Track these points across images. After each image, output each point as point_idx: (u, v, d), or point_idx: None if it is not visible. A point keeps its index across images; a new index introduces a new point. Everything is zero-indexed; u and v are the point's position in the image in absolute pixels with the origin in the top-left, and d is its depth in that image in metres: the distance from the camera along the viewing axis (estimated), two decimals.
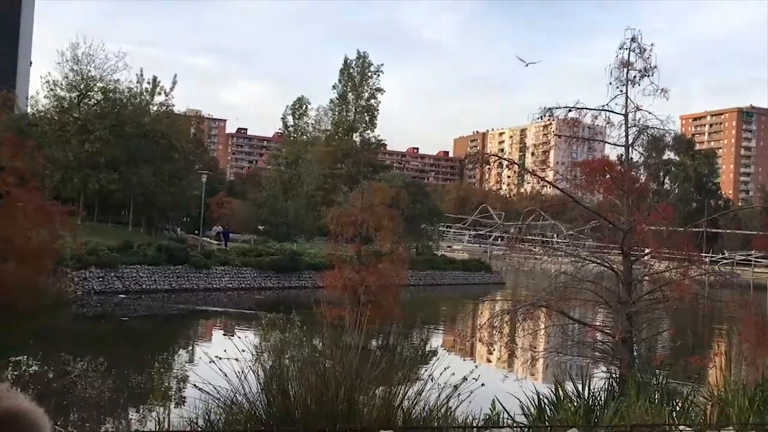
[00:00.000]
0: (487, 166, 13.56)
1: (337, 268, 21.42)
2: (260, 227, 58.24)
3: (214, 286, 32.31)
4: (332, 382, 7.94)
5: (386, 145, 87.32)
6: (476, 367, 8.87)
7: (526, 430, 7.26)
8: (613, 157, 12.55)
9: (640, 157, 12.83)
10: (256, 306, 20.01)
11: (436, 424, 7.35)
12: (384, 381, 8.56)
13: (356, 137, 68.91)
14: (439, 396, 8.37)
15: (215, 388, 8.34)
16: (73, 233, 18.70)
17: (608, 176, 11.57)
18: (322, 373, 8.34)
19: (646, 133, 12.21)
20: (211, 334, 24.60)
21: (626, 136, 11.97)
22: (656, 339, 13.15)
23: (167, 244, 34.27)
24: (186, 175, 48.71)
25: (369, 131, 69.34)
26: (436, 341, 22.26)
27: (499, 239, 65.90)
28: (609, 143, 12.26)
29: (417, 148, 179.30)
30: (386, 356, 9.58)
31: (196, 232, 45.09)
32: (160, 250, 31.64)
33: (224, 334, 22.06)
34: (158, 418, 7.99)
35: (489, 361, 18.81)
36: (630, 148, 11.97)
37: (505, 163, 13.02)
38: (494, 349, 17.91)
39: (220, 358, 9.41)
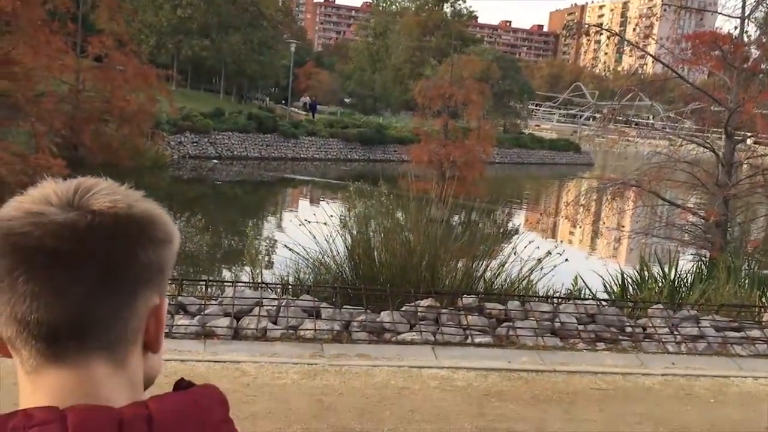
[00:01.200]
0: (586, 38, 12.85)
1: (423, 142, 21.37)
2: (347, 100, 58.18)
3: (302, 155, 32.97)
4: (416, 251, 8.15)
5: (477, 17, 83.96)
6: (559, 243, 8.89)
7: (608, 304, 7.28)
8: (725, 31, 11.64)
9: (756, 31, 11.83)
10: (342, 177, 20.37)
11: (516, 294, 7.48)
12: (466, 254, 8.71)
13: (447, 8, 66.40)
14: (521, 269, 8.49)
15: (305, 250, 8.70)
16: (169, 98, 19.19)
17: (718, 51, 10.80)
18: (406, 242, 8.56)
19: (765, 4, 11.21)
20: (298, 201, 25.40)
21: (743, 6, 11.06)
22: (752, 224, 12.70)
23: (257, 112, 34.89)
24: (275, 44, 48.64)
25: (460, 1, 66.66)
26: (519, 219, 22.22)
27: (591, 119, 63.64)
28: (723, 14, 11.37)
29: (509, 22, 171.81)
30: (469, 231, 9.68)
31: (284, 102, 45.54)
32: (250, 119, 32.28)
33: (311, 202, 22.71)
34: (252, 273, 8.43)
35: (570, 242, 18.72)
36: (746, 21, 11.07)
37: (605, 35, 12.32)
38: (578, 229, 17.76)
39: (309, 222, 9.73)
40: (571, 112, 78.77)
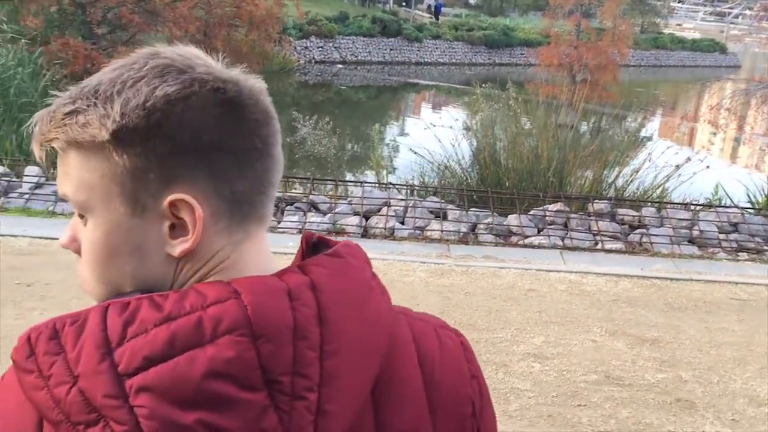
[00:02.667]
0: None
1: (552, 43, 20.42)
2: (471, 1, 56.13)
3: (425, 59, 32.46)
4: (543, 156, 7.95)
5: None
6: (699, 151, 8.36)
7: (754, 212, 6.84)
8: None
9: None
10: (467, 81, 19.95)
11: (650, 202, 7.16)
12: (596, 160, 8.39)
13: None
14: (655, 177, 8.10)
15: (429, 153, 8.70)
16: (295, 2, 19.27)
17: None
18: (533, 147, 8.35)
19: None
20: (422, 106, 25.24)
21: None
22: None
23: (381, 15, 34.44)
24: None
25: None
26: (654, 125, 21.05)
27: (740, 17, 58.18)
28: None
29: None
30: (599, 136, 9.28)
31: (404, 3, 44.63)
32: (374, 22, 31.94)
33: (435, 107, 22.51)
34: (378, 176, 8.56)
35: (710, 150, 17.57)
36: None
37: None
38: (720, 136, 16.62)
39: (434, 126, 9.65)
40: (718, 9, 72.26)
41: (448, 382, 0.82)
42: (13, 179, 5.94)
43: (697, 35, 49.81)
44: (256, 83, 0.77)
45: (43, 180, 6.02)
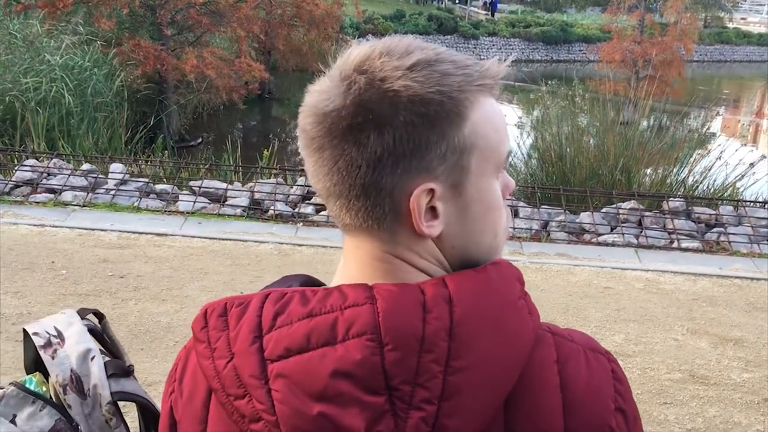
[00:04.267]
0: None
1: (614, 39, 20.07)
2: None
3: (482, 57, 32.21)
4: (610, 153, 7.86)
5: None
6: None
7: None
8: None
9: None
10: (524, 79, 19.77)
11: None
12: (664, 158, 8.25)
13: None
14: (727, 175, 7.92)
15: None
16: (355, 1, 19.43)
17: None
18: (600, 144, 8.27)
19: None
20: None
21: None
22: None
23: (437, 13, 34.39)
24: None
25: None
26: (719, 123, 20.50)
27: None
28: None
29: None
30: (666, 134, 9.11)
31: (459, 0, 44.42)
32: (430, 20, 31.95)
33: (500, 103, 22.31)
34: None
35: None
36: None
37: None
38: None
39: None
40: None
41: (588, 411, 0.76)
42: (99, 176, 6.19)
43: (763, 29, 48.19)
44: None
45: (127, 177, 6.25)
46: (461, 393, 0.70)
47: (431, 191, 0.75)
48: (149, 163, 7.45)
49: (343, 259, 0.82)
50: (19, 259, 4.60)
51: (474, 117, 0.76)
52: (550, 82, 10.09)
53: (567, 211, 6.17)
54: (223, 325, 0.74)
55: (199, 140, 13.64)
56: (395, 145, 0.72)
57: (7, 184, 5.91)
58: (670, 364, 3.94)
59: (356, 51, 0.76)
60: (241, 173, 7.13)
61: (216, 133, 13.94)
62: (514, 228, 5.85)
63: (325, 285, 0.81)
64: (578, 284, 4.98)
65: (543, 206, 6.27)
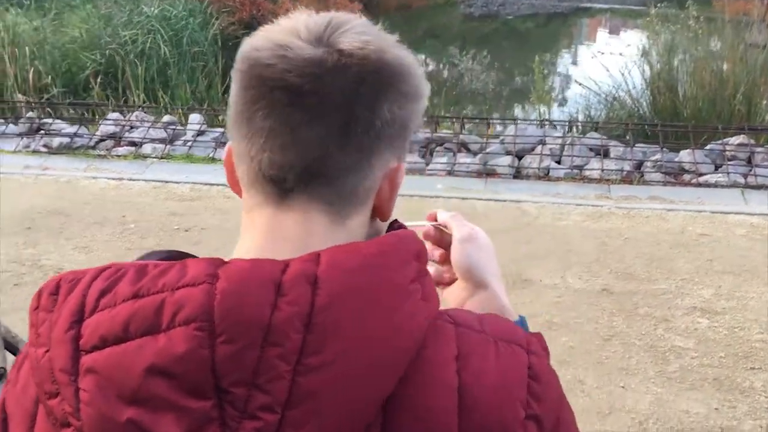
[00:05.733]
0: None
1: None
2: None
3: None
4: (729, 81, 7.10)
5: None
6: None
7: None
8: None
9: None
10: (645, 2, 18.34)
11: None
12: None
13: None
14: None
15: (596, 84, 8.10)
16: None
17: None
18: (718, 72, 7.49)
19: None
20: (595, 32, 23.67)
21: None
22: None
23: None
24: None
25: None
26: None
27: None
28: None
29: None
30: None
31: None
32: None
33: (609, 33, 21.03)
34: (539, 111, 8.13)
35: None
36: None
37: None
38: None
39: (602, 53, 8.91)
40: None
41: (490, 419, 0.63)
42: (178, 127, 6.25)
43: None
44: None
45: (204, 127, 6.28)
46: (315, 398, 0.57)
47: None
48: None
49: (257, 231, 0.70)
50: (93, 213, 4.72)
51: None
52: (659, 4, 9.19)
53: (665, 150, 5.60)
54: (51, 306, 0.63)
55: None
56: (390, 118, 0.69)
57: (91, 138, 6.09)
58: (764, 323, 3.50)
59: (326, 17, 0.71)
60: None
61: None
62: (602, 170, 5.39)
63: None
64: (669, 231, 4.52)
65: (638, 145, 5.73)
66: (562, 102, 9.59)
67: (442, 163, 5.56)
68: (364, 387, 0.59)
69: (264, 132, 0.67)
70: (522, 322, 0.95)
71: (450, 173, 5.47)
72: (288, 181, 0.68)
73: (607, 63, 8.00)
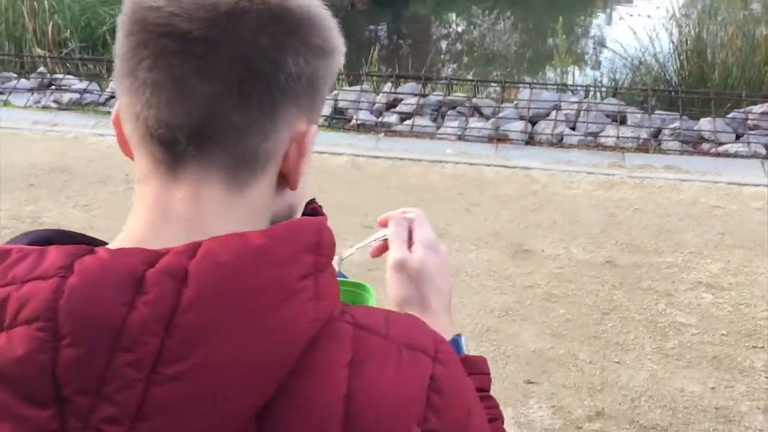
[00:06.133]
0: None
1: None
2: None
3: None
4: (762, 46, 6.82)
5: None
6: None
7: None
8: None
9: None
10: None
11: None
12: None
13: None
14: None
15: (623, 47, 7.86)
16: None
17: None
18: (749, 36, 7.20)
19: None
20: None
21: None
22: None
23: None
24: None
25: None
26: None
27: None
28: None
29: None
30: None
31: None
32: None
33: None
34: (561, 74, 7.92)
35: None
36: None
37: None
38: None
39: (630, 15, 8.64)
40: None
41: (380, 430, 0.56)
42: None
43: None
44: None
45: None
46: (172, 411, 0.51)
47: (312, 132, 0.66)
48: None
49: (145, 207, 0.63)
50: (96, 171, 4.71)
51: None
52: None
53: (684, 117, 5.41)
54: None
55: None
56: (296, 72, 0.62)
57: (101, 95, 6.07)
58: None
59: None
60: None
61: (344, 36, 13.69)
62: (618, 137, 5.23)
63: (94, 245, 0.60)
64: (681, 202, 4.38)
65: (658, 112, 5.54)
66: (585, 66, 9.34)
67: (453, 127, 5.44)
68: (231, 399, 0.53)
69: (148, 85, 0.60)
70: (456, 342, 0.91)
71: (461, 138, 5.35)
72: (179, 144, 0.60)
73: (635, 25, 7.74)
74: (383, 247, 0.97)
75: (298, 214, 0.73)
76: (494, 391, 2.38)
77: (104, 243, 0.66)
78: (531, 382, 2.84)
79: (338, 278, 1.17)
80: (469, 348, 2.84)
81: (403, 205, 3.62)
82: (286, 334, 0.55)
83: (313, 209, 0.74)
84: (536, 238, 3.90)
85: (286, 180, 0.66)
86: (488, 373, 0.90)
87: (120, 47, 0.62)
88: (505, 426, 2.73)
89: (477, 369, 0.88)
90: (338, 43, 0.68)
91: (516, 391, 2.79)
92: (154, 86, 0.59)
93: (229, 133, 0.60)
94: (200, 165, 0.61)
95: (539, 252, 3.78)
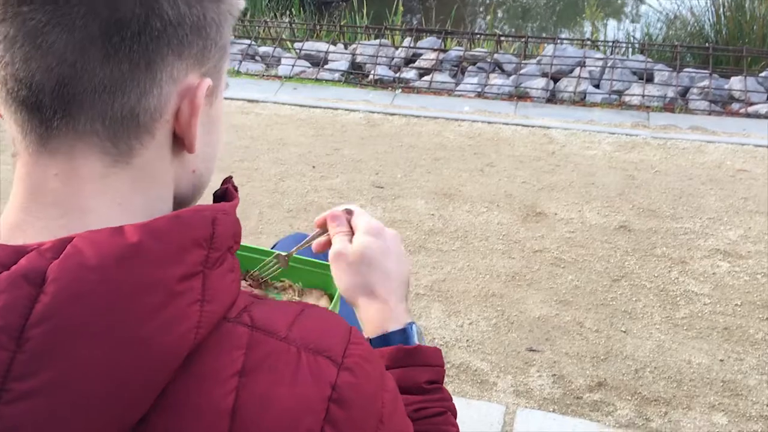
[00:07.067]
0: None
1: None
2: None
3: None
4: None
5: None
6: None
7: None
8: None
9: None
10: None
11: None
12: None
13: None
14: None
15: (658, 1, 7.59)
16: None
17: None
18: None
19: None
20: None
21: None
22: None
23: None
24: None
25: None
26: None
27: None
28: None
29: None
30: None
31: None
32: None
33: None
34: (592, 26, 7.68)
35: None
36: None
37: None
38: None
39: None
40: None
41: None
42: None
43: None
44: None
45: (231, 38, 6.12)
46: (22, 431, 0.46)
47: (208, 89, 0.59)
48: (275, 22, 7.24)
49: (18, 186, 0.56)
50: None
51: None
52: None
53: (714, 76, 5.19)
54: None
55: None
56: (175, 17, 0.54)
57: None
58: None
59: None
60: (345, 35, 6.71)
61: None
62: (644, 96, 5.04)
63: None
64: (705, 165, 4.22)
65: (686, 69, 5.33)
66: (617, 20, 9.01)
67: (472, 84, 5.29)
68: (94, 418, 0.47)
69: (2, 42, 0.52)
70: (406, 331, 0.86)
71: (480, 95, 5.21)
72: (45, 107, 0.53)
73: None
74: (327, 243, 0.93)
75: (206, 180, 0.66)
76: (495, 359, 2.34)
77: None
78: (533, 350, 2.79)
79: (311, 259, 1.12)
80: (472, 315, 2.76)
81: (414, 163, 3.54)
82: (161, 344, 0.49)
83: (225, 190, 0.67)
84: (550, 201, 3.80)
85: (182, 142, 0.59)
86: (442, 365, 0.86)
87: None
88: (503, 394, 2.65)
89: (428, 361, 0.84)
90: None
91: (517, 359, 2.74)
92: (7, 41, 0.52)
93: (97, 92, 0.53)
94: (73, 133, 0.54)
95: (551, 215, 3.68)
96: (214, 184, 0.68)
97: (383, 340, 0.84)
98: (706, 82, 5.09)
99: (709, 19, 7.15)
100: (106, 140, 0.55)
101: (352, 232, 0.90)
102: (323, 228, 0.92)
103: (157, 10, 0.53)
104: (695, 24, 7.27)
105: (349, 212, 0.91)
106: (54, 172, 0.55)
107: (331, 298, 1.11)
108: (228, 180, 0.70)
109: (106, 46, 0.52)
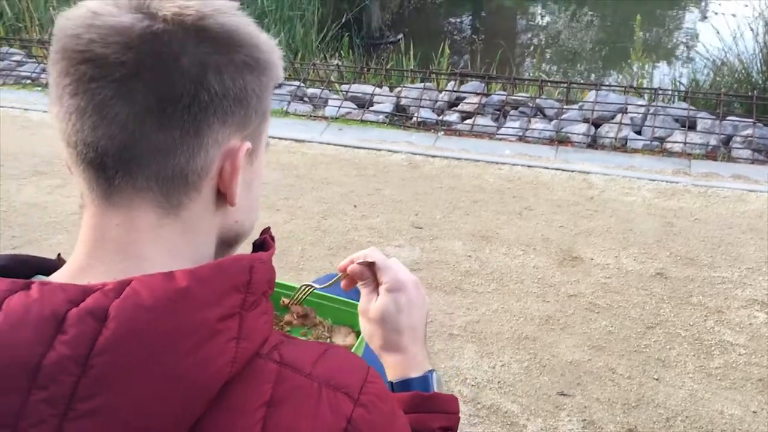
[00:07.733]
0: None
1: None
2: None
3: None
4: None
5: None
6: None
7: None
8: None
9: None
10: None
11: None
12: None
13: None
14: None
15: (705, 47, 7.58)
16: None
17: None
18: None
19: None
20: None
21: None
22: None
23: None
24: None
25: None
26: None
27: None
28: None
29: None
30: None
31: None
32: None
33: None
34: (638, 71, 7.70)
35: None
36: None
37: None
38: None
39: (716, 14, 8.28)
40: None
41: None
42: None
43: None
44: None
45: (281, 80, 6.34)
46: None
47: (248, 151, 0.68)
48: (326, 62, 7.48)
49: (85, 235, 0.66)
50: None
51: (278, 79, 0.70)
52: None
53: (759, 125, 5.18)
54: None
55: (399, 36, 13.47)
56: (220, 90, 0.63)
57: None
58: None
59: None
60: (391, 77, 6.88)
61: (419, 30, 13.64)
62: (685, 143, 5.05)
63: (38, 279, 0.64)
64: (746, 214, 4.21)
65: (730, 118, 5.32)
66: (663, 66, 9.01)
67: (514, 128, 5.38)
68: None
69: (73, 111, 0.62)
70: (425, 379, 0.92)
71: (521, 138, 5.29)
72: (108, 168, 0.63)
73: (719, 24, 7.44)
74: (354, 282, 0.99)
75: (248, 228, 0.75)
76: (526, 401, 2.41)
77: (57, 265, 0.69)
78: (564, 394, 2.81)
79: (340, 298, 1.23)
80: (505, 357, 2.82)
81: (453, 205, 3.63)
82: (199, 377, 0.57)
83: (263, 240, 0.77)
84: (587, 246, 3.84)
85: (224, 197, 0.68)
86: (456, 413, 0.91)
87: (49, 75, 0.64)
88: None
89: (443, 408, 0.89)
90: (270, 56, 0.68)
91: (547, 402, 2.77)
92: (78, 112, 0.62)
93: (152, 155, 0.62)
94: (132, 189, 0.64)
95: (588, 260, 3.72)
96: (261, 222, 0.78)
97: (404, 385, 0.91)
98: (749, 131, 5.08)
99: (757, 66, 7.12)
100: (160, 196, 0.64)
101: (377, 283, 0.96)
102: (344, 273, 0.99)
103: (205, 84, 0.62)
104: (743, 71, 7.23)
105: (370, 264, 0.96)
106: (116, 222, 0.64)
107: (357, 335, 1.20)
108: (266, 231, 0.79)
109: (161, 116, 0.62)
